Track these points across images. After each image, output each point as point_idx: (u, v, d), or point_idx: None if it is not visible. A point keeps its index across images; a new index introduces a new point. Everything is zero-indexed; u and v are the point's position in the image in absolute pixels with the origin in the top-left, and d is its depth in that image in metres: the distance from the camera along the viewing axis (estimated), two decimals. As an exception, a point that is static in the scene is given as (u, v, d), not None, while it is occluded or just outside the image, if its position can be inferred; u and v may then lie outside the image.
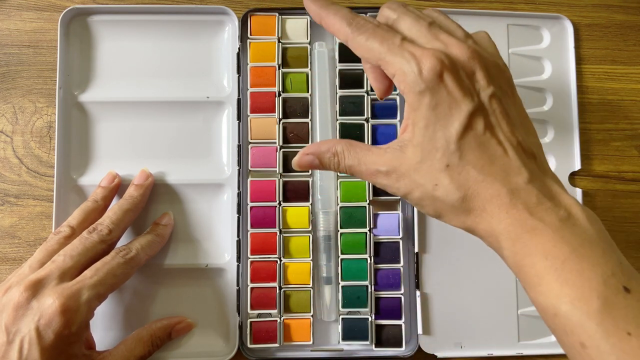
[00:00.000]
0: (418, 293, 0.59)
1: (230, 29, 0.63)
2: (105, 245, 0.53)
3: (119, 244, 0.56)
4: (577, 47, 0.65)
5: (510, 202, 0.38)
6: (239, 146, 0.60)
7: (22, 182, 0.61)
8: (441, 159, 0.39)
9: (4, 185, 0.61)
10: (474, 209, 0.39)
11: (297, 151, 0.60)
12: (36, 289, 0.48)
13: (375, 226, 0.60)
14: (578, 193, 0.62)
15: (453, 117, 0.39)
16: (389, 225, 0.60)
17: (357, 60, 0.61)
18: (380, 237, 0.60)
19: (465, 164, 0.39)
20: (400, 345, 0.59)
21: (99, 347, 0.55)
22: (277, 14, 0.62)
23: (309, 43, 0.62)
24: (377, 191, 0.60)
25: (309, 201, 0.60)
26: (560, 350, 0.60)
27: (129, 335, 0.55)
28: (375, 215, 0.60)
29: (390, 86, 0.46)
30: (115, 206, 0.56)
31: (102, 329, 0.58)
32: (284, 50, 0.62)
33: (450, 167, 0.39)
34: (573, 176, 0.63)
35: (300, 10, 0.62)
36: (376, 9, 0.62)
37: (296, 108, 0.61)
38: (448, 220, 0.41)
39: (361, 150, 0.43)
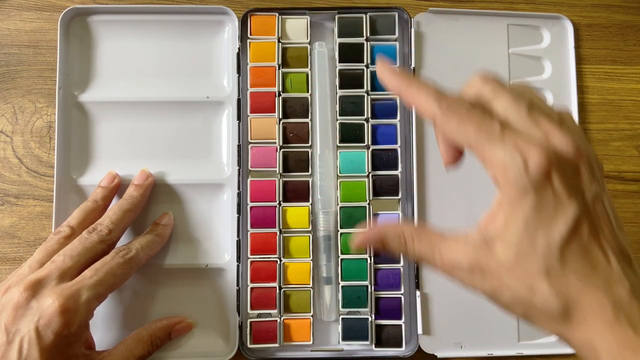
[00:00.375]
0: (418, 293, 0.59)
1: (230, 29, 0.63)
2: (105, 245, 0.53)
3: (119, 244, 0.56)
4: (577, 47, 0.65)
5: (614, 317, 0.35)
6: (239, 146, 0.60)
7: (22, 182, 0.61)
8: (541, 263, 0.36)
9: (4, 185, 0.61)
10: (572, 318, 0.36)
11: (297, 151, 0.60)
12: (36, 289, 0.48)
13: None
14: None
15: (558, 221, 0.35)
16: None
17: (357, 60, 0.62)
18: None
19: (567, 271, 0.36)
20: (400, 346, 0.59)
21: (99, 347, 0.55)
22: (277, 14, 0.62)
23: (309, 43, 0.62)
24: (377, 191, 0.60)
25: (309, 201, 0.60)
26: (560, 351, 0.60)
27: (129, 335, 0.55)
28: (375, 215, 0.60)
29: (461, 158, 0.43)
30: (115, 206, 0.56)
31: (102, 329, 0.58)
32: (284, 50, 0.62)
33: (551, 273, 0.36)
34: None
35: (300, 10, 0.62)
36: (376, 9, 0.62)
37: (296, 108, 0.61)
38: (539, 324, 0.38)
39: (434, 236, 0.39)
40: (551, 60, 0.64)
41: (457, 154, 0.42)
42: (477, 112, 0.37)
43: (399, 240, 0.39)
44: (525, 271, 0.36)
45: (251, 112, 0.61)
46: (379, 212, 0.61)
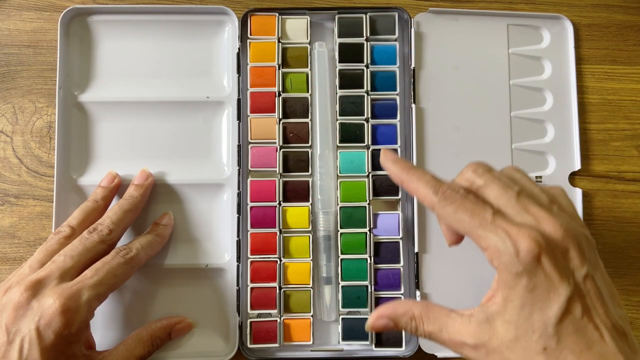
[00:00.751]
0: (418, 293, 0.59)
1: (230, 29, 0.63)
2: (105, 245, 0.53)
3: (119, 244, 0.56)
4: (577, 47, 0.65)
5: None
6: (238, 146, 0.60)
7: (22, 182, 0.61)
8: (538, 341, 0.38)
9: (4, 185, 0.61)
10: None
11: (297, 151, 0.60)
12: (36, 289, 0.48)
13: (375, 226, 0.60)
14: (578, 193, 0.62)
15: (551, 301, 0.38)
16: (388, 225, 0.60)
17: (357, 60, 0.62)
18: (380, 237, 0.60)
19: (563, 348, 0.38)
20: (400, 346, 0.59)
21: (99, 347, 0.55)
22: (277, 14, 0.62)
23: (309, 43, 0.62)
24: (377, 191, 0.60)
25: (309, 201, 0.60)
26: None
27: (129, 336, 0.55)
28: (375, 215, 0.60)
29: (462, 239, 0.46)
30: (116, 206, 0.56)
31: (103, 328, 0.58)
32: (284, 50, 0.62)
33: (548, 350, 0.38)
34: (573, 176, 0.63)
35: (300, 10, 0.62)
36: (376, 9, 0.62)
37: (296, 108, 0.61)
38: None
39: (441, 315, 0.42)
40: (551, 60, 0.64)
41: (458, 236, 0.46)
42: (470, 199, 0.41)
43: (410, 322, 0.43)
44: (524, 349, 0.38)
45: (251, 112, 0.61)
46: (379, 212, 0.61)
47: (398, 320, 0.43)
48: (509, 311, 0.39)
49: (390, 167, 0.46)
